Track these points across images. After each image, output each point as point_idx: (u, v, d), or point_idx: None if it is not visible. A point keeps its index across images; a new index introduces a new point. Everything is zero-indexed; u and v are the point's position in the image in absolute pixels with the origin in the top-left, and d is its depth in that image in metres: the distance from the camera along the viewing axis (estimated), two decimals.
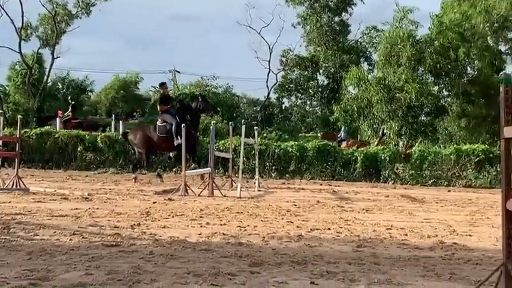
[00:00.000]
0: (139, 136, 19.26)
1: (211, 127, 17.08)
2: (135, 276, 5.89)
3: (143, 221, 10.11)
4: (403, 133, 33.72)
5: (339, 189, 19.39)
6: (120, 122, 32.45)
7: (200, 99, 19.39)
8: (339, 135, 32.09)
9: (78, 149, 24.93)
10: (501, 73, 6.02)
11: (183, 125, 16.68)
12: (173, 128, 18.17)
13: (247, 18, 54.34)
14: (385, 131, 33.87)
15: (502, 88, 5.35)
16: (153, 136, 18.63)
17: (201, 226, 9.72)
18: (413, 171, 23.63)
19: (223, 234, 8.83)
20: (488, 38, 37.26)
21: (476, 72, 36.00)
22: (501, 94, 5.34)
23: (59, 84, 51.62)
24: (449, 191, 20.89)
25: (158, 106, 19.49)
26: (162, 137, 18.56)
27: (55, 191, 15.09)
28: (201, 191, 15.65)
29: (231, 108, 48.72)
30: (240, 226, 9.79)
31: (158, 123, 18.94)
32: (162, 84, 20.91)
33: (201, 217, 10.89)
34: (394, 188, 21.33)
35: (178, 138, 17.47)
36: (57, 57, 48.61)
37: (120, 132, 24.58)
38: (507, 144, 5.42)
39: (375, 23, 53.80)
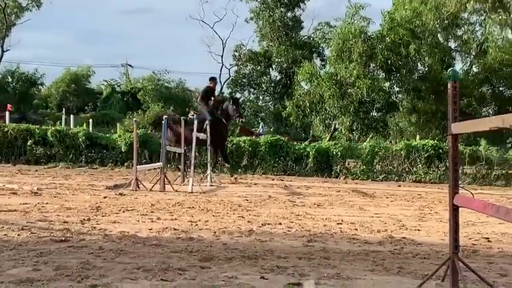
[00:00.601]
0: (176, 126, 19.07)
1: (162, 121, 16.94)
2: (83, 272, 5.84)
3: (93, 216, 10.01)
4: (354, 128, 34.03)
5: (290, 184, 19.43)
6: (71, 116, 32.13)
7: (232, 102, 19.60)
8: (257, 131, 32.28)
9: (28, 143, 24.57)
10: (449, 69, 6.03)
11: (206, 122, 16.89)
12: (206, 122, 17.99)
13: (200, 12, 54.25)
14: (336, 126, 34.07)
15: (449, 84, 5.43)
16: (180, 128, 18.12)
17: (152, 221, 9.67)
18: (364, 167, 23.80)
19: (174, 229, 8.80)
20: (439, 35, 37.82)
21: (426, 69, 36.54)
22: (449, 90, 5.41)
23: (9, 77, 50.99)
24: (399, 186, 21.10)
25: (201, 97, 19.22)
26: (189, 129, 18.02)
27: (4, 185, 14.85)
28: (153, 186, 15.57)
29: (183, 103, 48.65)
30: (191, 221, 9.77)
31: (190, 115, 18.69)
32: (213, 79, 20.45)
33: (152, 212, 10.84)
34: (346, 183, 21.46)
35: (206, 132, 17.54)
36: (7, 50, 48.24)
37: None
38: (455, 140, 5.50)
39: (328, 18, 54.34)
